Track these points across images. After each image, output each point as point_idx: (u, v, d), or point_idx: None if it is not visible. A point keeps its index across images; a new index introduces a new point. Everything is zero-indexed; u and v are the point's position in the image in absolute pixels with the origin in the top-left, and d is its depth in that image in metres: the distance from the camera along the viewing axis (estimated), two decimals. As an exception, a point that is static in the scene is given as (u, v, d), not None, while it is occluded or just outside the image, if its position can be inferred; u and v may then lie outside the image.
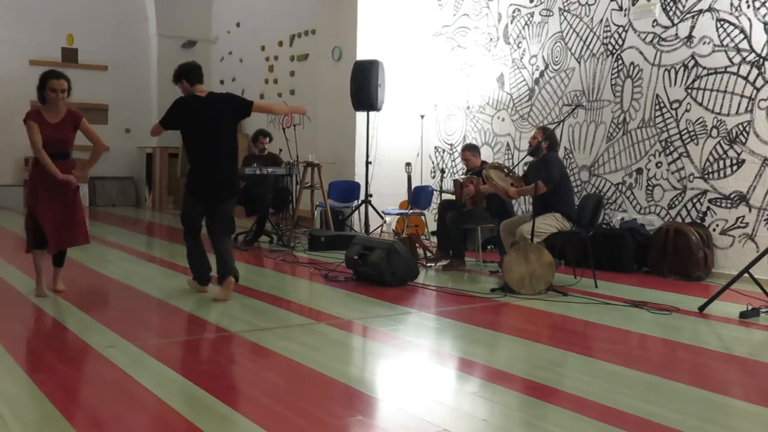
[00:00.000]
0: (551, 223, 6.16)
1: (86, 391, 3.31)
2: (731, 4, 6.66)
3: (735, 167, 6.66)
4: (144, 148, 14.20)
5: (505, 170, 6.60)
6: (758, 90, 6.49)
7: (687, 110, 7.04)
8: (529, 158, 6.93)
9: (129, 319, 4.76)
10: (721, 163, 6.77)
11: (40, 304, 5.04)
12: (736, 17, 6.63)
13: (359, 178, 9.36)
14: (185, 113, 5.32)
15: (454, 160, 9.65)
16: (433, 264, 7.12)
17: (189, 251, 5.52)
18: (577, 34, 8.13)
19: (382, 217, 8.79)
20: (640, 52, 7.46)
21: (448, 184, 8.55)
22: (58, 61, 13.55)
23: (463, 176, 7.14)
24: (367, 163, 8.81)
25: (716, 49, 6.80)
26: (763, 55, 6.41)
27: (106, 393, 3.25)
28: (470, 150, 7.33)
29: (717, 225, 6.82)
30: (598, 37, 7.89)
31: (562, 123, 6.46)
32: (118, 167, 14.39)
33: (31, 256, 5.31)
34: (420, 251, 7.30)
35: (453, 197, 7.25)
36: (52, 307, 4.93)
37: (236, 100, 5.53)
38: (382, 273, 5.95)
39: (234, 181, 5.52)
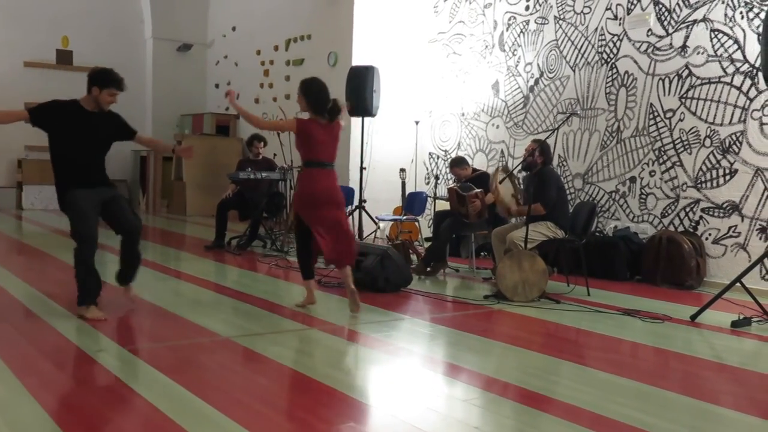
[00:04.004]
0: (543, 231, 6.16)
1: (77, 395, 3.29)
2: (725, 15, 6.70)
3: (728, 177, 6.69)
4: (138, 151, 14.14)
5: (512, 180, 6.50)
6: (751, 100, 6.52)
7: (681, 119, 7.07)
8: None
9: (121, 322, 4.74)
10: (714, 172, 6.80)
11: (31, 307, 5.02)
12: (730, 28, 6.67)
13: (353, 183, 9.35)
14: None
15: (448, 167, 9.65)
16: (417, 276, 6.92)
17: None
18: (572, 43, 8.17)
19: (375, 223, 8.79)
20: (635, 61, 7.49)
21: (442, 191, 8.56)
22: (53, 63, 13.52)
23: (457, 184, 7.12)
24: (362, 168, 8.80)
25: (710, 59, 6.83)
26: (757, 65, 6.45)
27: (97, 397, 3.23)
28: (457, 165, 7.32)
29: (709, 234, 6.84)
30: (593, 46, 7.92)
31: (556, 131, 6.47)
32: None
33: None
34: (413, 257, 7.29)
35: (448, 205, 7.23)
36: (43, 310, 4.90)
37: None
38: (376, 279, 5.95)
39: None
